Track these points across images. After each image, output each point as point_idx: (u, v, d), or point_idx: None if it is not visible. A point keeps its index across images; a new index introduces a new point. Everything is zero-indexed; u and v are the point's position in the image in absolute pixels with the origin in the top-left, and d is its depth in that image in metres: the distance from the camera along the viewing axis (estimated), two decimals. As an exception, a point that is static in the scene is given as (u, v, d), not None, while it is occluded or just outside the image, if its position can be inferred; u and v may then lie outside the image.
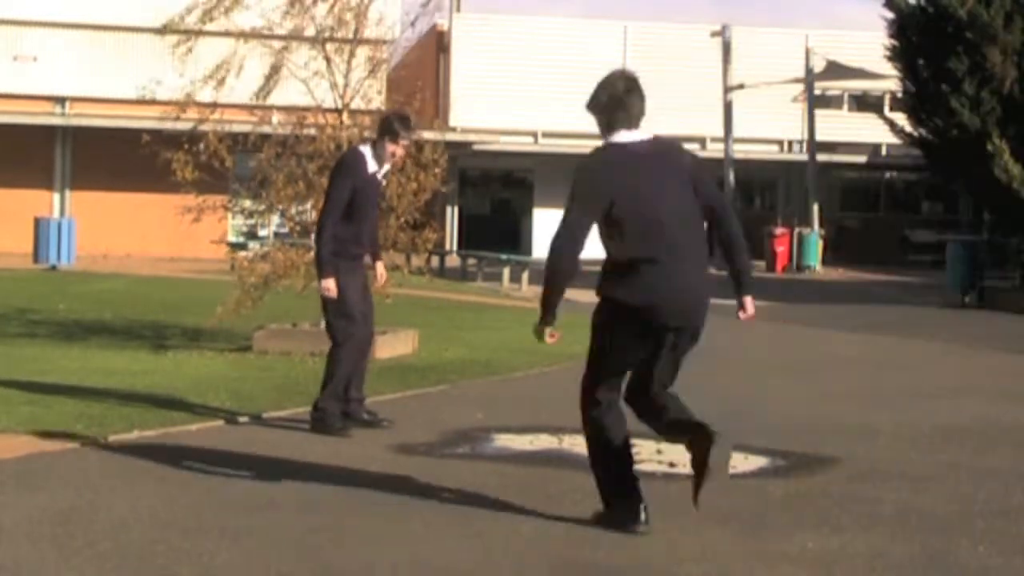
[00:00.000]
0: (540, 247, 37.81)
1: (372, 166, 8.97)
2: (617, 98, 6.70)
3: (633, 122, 6.57)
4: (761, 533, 6.38)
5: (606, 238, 6.50)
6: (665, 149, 6.59)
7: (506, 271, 26.59)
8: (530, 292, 24.37)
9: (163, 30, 13.37)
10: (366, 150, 9.07)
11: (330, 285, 8.68)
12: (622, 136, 6.54)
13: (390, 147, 8.98)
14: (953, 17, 27.08)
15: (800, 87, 36.90)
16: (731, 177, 32.54)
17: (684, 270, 6.39)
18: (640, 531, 6.22)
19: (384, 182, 9.52)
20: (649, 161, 6.42)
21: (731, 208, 6.75)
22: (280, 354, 12.73)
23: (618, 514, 6.30)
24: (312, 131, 13.46)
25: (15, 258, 28.69)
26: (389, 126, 9.06)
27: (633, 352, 6.53)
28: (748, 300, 6.71)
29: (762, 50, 36.42)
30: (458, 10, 39.78)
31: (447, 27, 38.38)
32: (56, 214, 33.00)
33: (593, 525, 6.34)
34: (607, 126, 6.65)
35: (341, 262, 8.79)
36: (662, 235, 6.30)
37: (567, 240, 6.56)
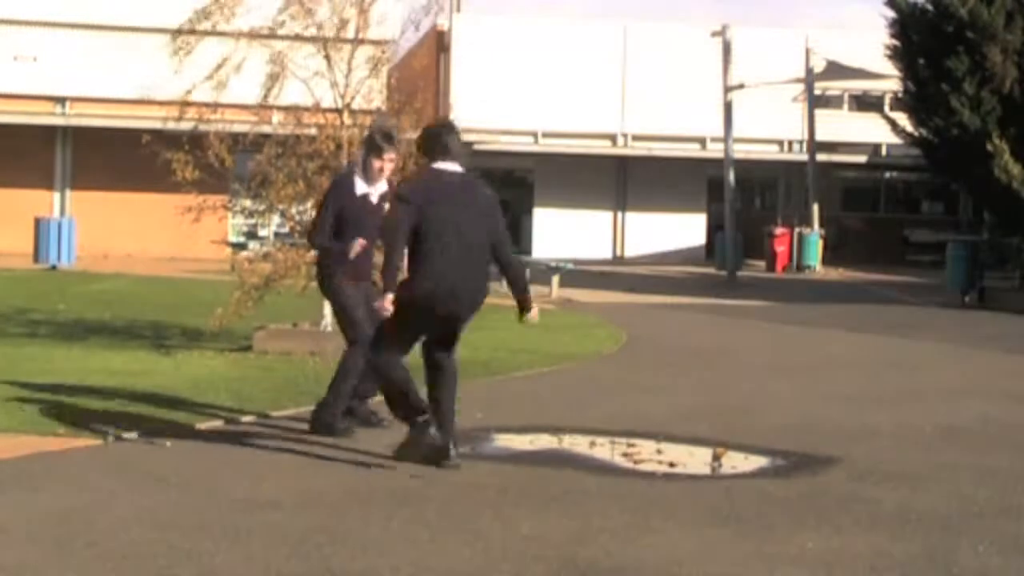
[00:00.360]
0: (540, 247, 37.84)
1: (361, 188, 9.05)
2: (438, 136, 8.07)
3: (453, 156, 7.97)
4: (761, 533, 6.38)
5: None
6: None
7: (506, 271, 26.54)
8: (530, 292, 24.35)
9: (175, 33, 13.35)
10: (356, 171, 9.18)
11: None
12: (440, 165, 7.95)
13: (376, 163, 9.08)
14: (954, 16, 27.09)
15: (800, 87, 36.89)
16: (731, 177, 32.51)
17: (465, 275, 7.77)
18: (452, 464, 7.54)
19: (385, 203, 9.39)
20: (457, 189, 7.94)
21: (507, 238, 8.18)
22: (280, 354, 12.73)
23: (421, 451, 7.56)
24: (312, 131, 13.46)
25: (15, 258, 28.68)
26: (372, 143, 9.20)
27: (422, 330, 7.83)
28: (525, 300, 8.24)
29: (762, 50, 36.37)
30: (458, 10, 39.76)
31: (447, 27, 38.36)
32: (56, 214, 32.97)
33: (397, 460, 7.60)
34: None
35: (345, 278, 8.90)
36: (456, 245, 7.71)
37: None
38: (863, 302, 24.84)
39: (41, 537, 5.98)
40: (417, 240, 7.66)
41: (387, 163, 9.19)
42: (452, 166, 7.94)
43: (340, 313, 9.04)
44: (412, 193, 7.88)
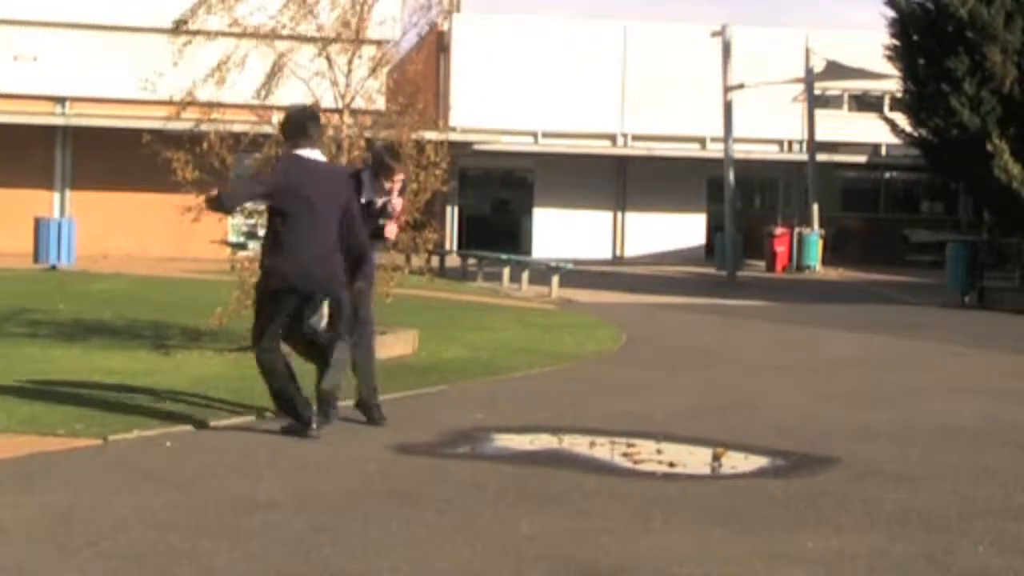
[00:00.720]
0: (540, 247, 37.85)
1: (368, 194, 9.16)
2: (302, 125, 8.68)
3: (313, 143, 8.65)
4: (761, 533, 6.38)
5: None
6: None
7: (506, 271, 26.60)
8: (530, 292, 24.39)
9: (174, 29, 13.34)
10: (366, 177, 9.27)
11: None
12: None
13: (386, 184, 9.26)
14: (954, 16, 27.09)
15: (800, 87, 36.90)
16: (731, 177, 32.51)
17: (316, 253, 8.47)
18: (312, 435, 8.40)
19: (388, 207, 9.50)
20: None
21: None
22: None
23: (297, 427, 8.49)
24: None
25: (15, 258, 28.67)
26: (382, 163, 9.32)
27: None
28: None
29: (762, 50, 36.41)
30: (458, 10, 39.76)
31: (447, 27, 38.36)
32: (56, 214, 32.96)
33: (281, 433, 8.45)
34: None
35: None
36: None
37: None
38: (863, 302, 24.84)
39: (41, 537, 5.98)
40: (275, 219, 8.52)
41: (396, 183, 9.39)
42: (312, 153, 8.57)
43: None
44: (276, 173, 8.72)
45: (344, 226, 8.58)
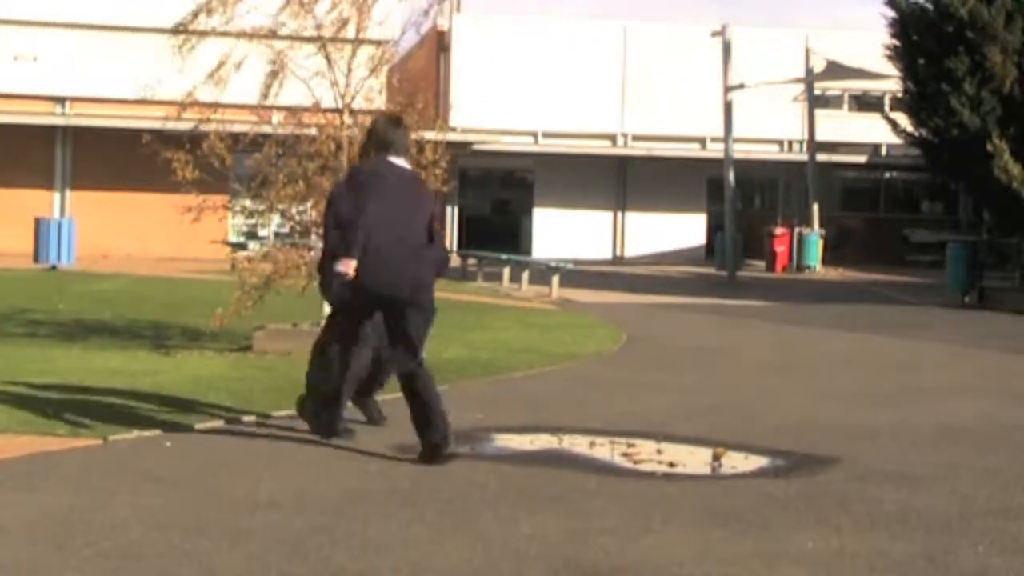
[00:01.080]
0: (540, 247, 37.85)
1: None
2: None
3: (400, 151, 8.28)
4: (761, 533, 6.38)
5: None
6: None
7: (506, 271, 26.61)
8: (530, 292, 24.39)
9: (174, 31, 13.34)
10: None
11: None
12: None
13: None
14: (954, 16, 27.09)
15: (800, 87, 36.90)
16: (731, 177, 32.51)
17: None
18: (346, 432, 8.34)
19: None
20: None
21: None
22: (280, 354, 12.72)
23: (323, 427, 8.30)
24: (313, 131, 13.46)
25: (15, 258, 28.68)
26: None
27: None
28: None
29: (762, 50, 36.42)
30: (458, 10, 39.77)
31: (447, 27, 38.38)
32: (56, 214, 32.98)
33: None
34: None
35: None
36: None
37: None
38: (863, 302, 24.84)
39: (41, 537, 5.98)
40: None
41: None
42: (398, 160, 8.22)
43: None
44: None
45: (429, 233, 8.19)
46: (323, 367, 8.29)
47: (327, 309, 9.55)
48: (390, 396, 9.99)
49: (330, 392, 8.25)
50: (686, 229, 40.24)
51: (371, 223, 7.82)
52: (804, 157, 37.56)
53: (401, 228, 7.97)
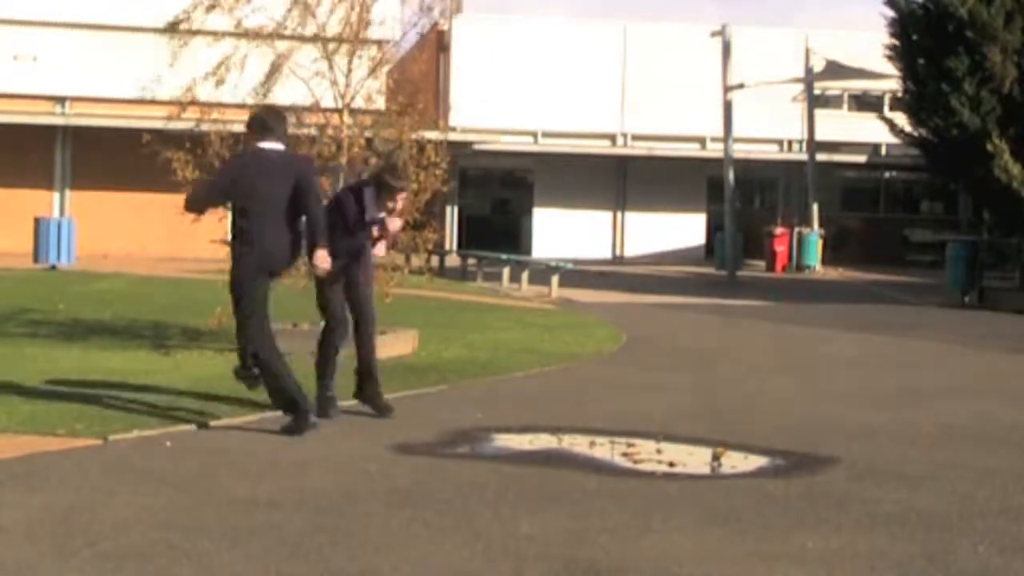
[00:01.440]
0: (540, 247, 37.83)
1: (371, 212, 9.23)
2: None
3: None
4: (761, 533, 6.38)
5: None
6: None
7: (506, 271, 26.61)
8: (530, 292, 24.39)
9: (170, 29, 13.34)
10: (368, 195, 9.31)
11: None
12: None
13: (389, 204, 9.32)
14: (954, 16, 27.10)
15: (800, 87, 36.91)
16: (731, 177, 32.51)
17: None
18: (313, 425, 8.59)
19: (386, 224, 9.55)
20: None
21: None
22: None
23: (295, 426, 8.56)
24: (313, 131, 13.46)
25: (15, 258, 28.67)
26: (385, 184, 9.36)
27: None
28: (317, 255, 8.85)
29: (762, 50, 36.42)
30: (458, 10, 39.76)
31: (447, 27, 38.36)
32: (56, 214, 32.97)
33: (281, 433, 8.49)
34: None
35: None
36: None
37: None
38: (863, 302, 24.84)
39: (41, 537, 5.98)
40: None
41: (400, 200, 9.49)
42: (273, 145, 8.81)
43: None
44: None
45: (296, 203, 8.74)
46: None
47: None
48: (390, 396, 10.01)
49: (283, 373, 8.79)
50: (686, 229, 40.24)
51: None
52: (804, 157, 37.57)
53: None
